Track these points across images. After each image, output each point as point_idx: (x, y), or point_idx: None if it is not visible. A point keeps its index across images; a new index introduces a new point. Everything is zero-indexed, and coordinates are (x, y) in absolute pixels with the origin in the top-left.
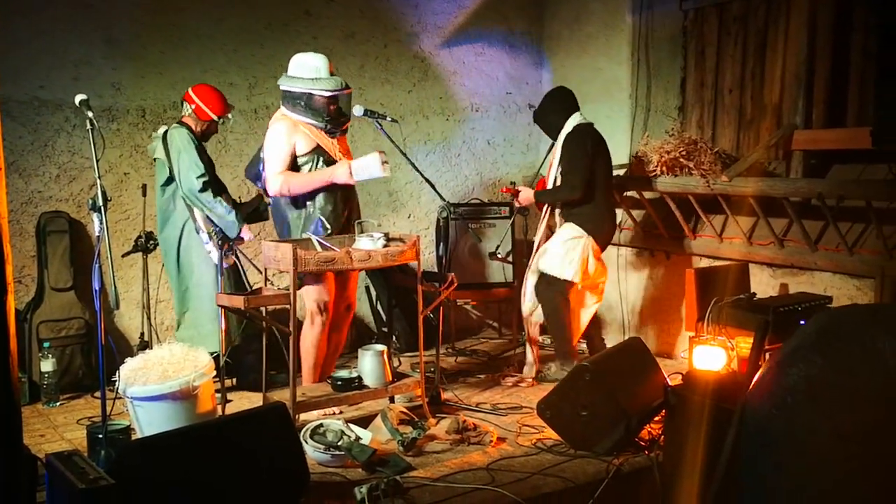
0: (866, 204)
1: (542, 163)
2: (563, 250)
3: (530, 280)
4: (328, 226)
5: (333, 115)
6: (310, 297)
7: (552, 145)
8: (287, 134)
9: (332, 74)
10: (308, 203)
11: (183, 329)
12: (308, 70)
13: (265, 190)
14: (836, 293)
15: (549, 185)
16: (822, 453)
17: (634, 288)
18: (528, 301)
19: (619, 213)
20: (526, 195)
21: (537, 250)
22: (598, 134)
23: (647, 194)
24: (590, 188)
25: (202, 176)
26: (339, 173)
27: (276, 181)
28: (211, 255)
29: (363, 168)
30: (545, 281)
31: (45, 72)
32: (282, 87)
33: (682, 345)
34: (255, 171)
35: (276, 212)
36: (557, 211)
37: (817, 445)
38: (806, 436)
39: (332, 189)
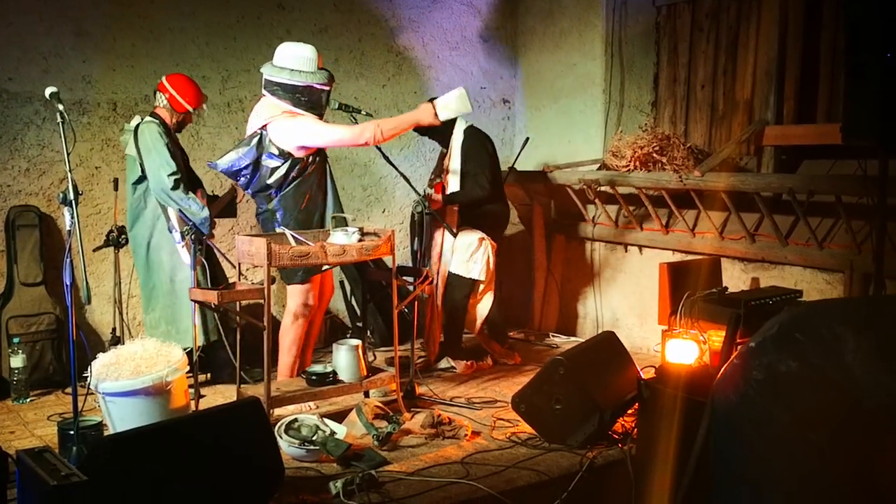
0: (836, 199)
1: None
2: (469, 253)
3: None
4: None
5: (324, 108)
6: (296, 297)
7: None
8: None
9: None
10: (281, 197)
11: (151, 328)
12: (306, 62)
13: (237, 183)
14: (806, 287)
15: (450, 188)
16: (784, 444)
17: (608, 282)
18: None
19: (593, 209)
20: (437, 199)
21: (438, 254)
22: (488, 136)
23: (621, 189)
24: (496, 186)
25: (174, 174)
26: (423, 116)
27: (367, 129)
28: (183, 255)
29: (447, 106)
30: (453, 281)
31: (14, 64)
32: (279, 80)
33: (656, 339)
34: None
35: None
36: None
37: (780, 436)
38: (769, 426)
39: (310, 185)
